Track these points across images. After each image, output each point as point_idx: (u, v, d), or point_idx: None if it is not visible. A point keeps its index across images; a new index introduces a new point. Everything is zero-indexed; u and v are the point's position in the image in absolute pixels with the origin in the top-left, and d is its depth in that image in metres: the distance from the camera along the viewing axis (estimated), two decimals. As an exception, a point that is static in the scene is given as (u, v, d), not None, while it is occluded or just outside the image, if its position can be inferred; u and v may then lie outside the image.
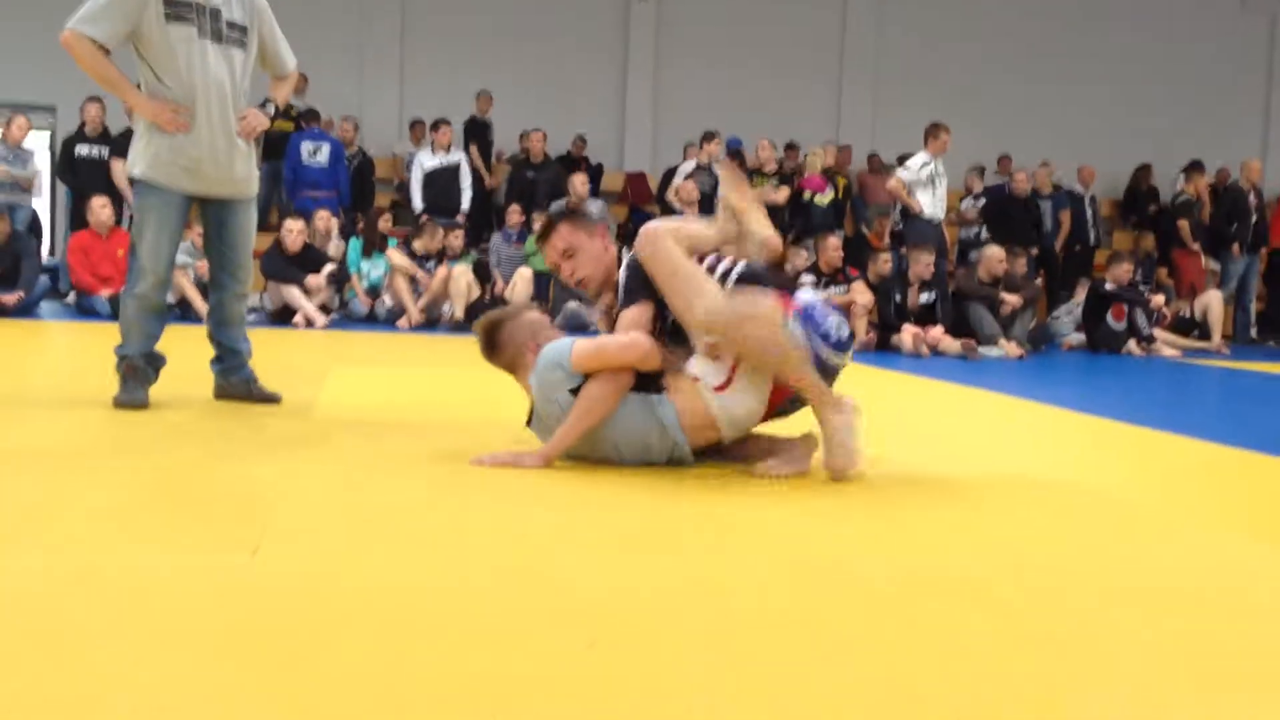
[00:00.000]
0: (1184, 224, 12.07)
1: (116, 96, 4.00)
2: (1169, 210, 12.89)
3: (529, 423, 3.22)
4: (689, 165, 11.61)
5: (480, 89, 13.00)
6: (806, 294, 3.21)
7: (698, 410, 3.05)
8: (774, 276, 3.25)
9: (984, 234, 11.86)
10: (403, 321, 9.68)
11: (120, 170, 9.83)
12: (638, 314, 3.12)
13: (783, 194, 10.96)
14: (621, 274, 3.22)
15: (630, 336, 3.02)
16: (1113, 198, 14.55)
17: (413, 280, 9.96)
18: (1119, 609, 1.97)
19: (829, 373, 3.13)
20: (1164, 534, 2.69)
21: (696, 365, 3.09)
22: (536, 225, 10.94)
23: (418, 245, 10.11)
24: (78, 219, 10.71)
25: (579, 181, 11.34)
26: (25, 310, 9.05)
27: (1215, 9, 16.50)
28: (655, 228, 3.14)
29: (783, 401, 3.18)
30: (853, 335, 3.19)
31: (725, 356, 3.03)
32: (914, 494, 2.98)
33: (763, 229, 3.31)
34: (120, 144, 9.97)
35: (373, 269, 10.37)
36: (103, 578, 1.91)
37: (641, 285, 3.14)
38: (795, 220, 11.69)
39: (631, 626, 1.77)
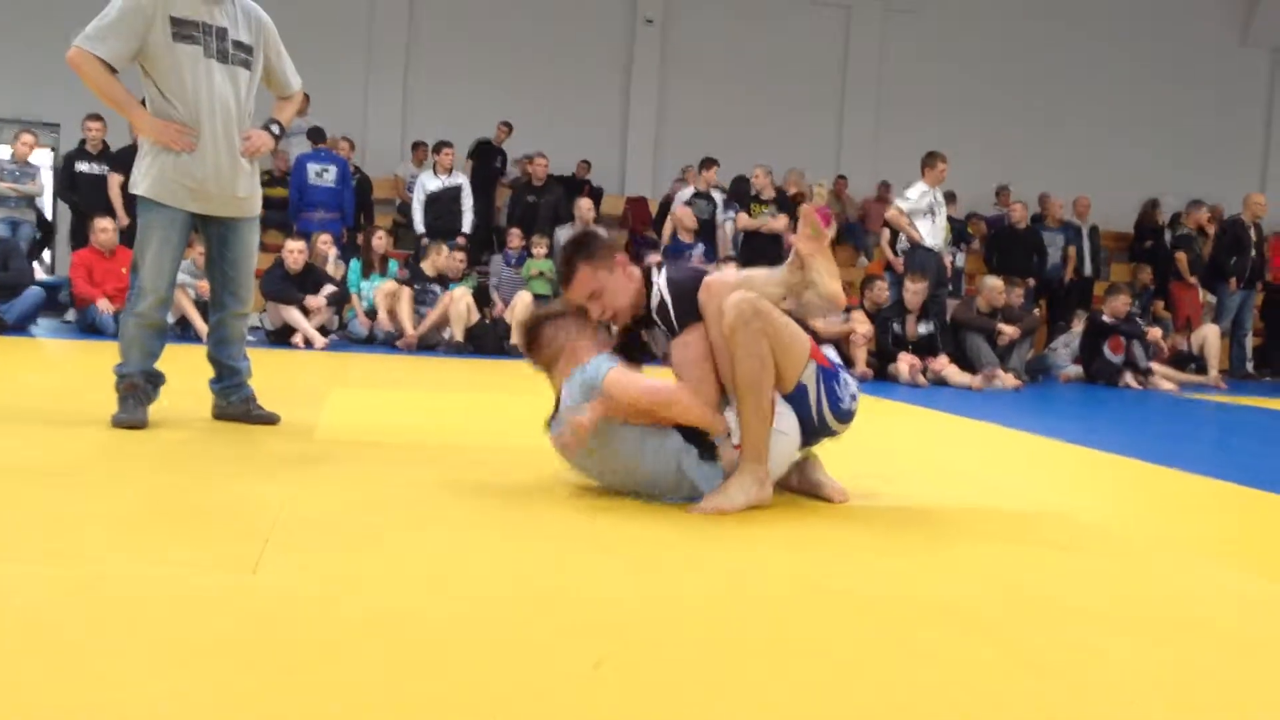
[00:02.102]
0: (1182, 257, 12.12)
1: (122, 115, 4.01)
2: (1167, 244, 12.94)
3: (550, 421, 3.10)
4: (687, 192, 11.64)
5: (489, 115, 13.11)
6: (832, 353, 3.12)
7: (730, 466, 3.00)
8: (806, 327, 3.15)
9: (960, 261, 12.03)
10: (402, 342, 9.67)
11: (118, 186, 9.86)
12: (700, 336, 3.01)
13: (781, 221, 10.99)
14: (666, 294, 3.10)
15: (671, 394, 2.91)
16: (1112, 230, 14.60)
17: (417, 300, 9.97)
18: (1112, 639, 1.98)
19: (816, 435, 3.09)
20: (1157, 567, 2.69)
21: (732, 421, 3.03)
22: (536, 248, 11.05)
23: (426, 265, 10.12)
24: (78, 236, 10.75)
25: (584, 206, 11.37)
26: (20, 326, 9.05)
27: (1215, 44, 16.64)
28: (718, 281, 3.02)
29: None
30: (856, 410, 3.11)
31: None
32: (910, 523, 2.99)
33: (829, 282, 3.11)
34: (119, 160, 10.02)
35: (372, 290, 10.39)
36: (102, 594, 1.91)
37: (695, 307, 3.04)
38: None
39: (637, 648, 1.78)
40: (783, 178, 14.00)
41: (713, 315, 2.99)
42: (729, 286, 3.02)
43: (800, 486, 3.22)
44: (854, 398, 3.10)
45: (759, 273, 3.21)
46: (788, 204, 11.32)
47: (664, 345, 3.18)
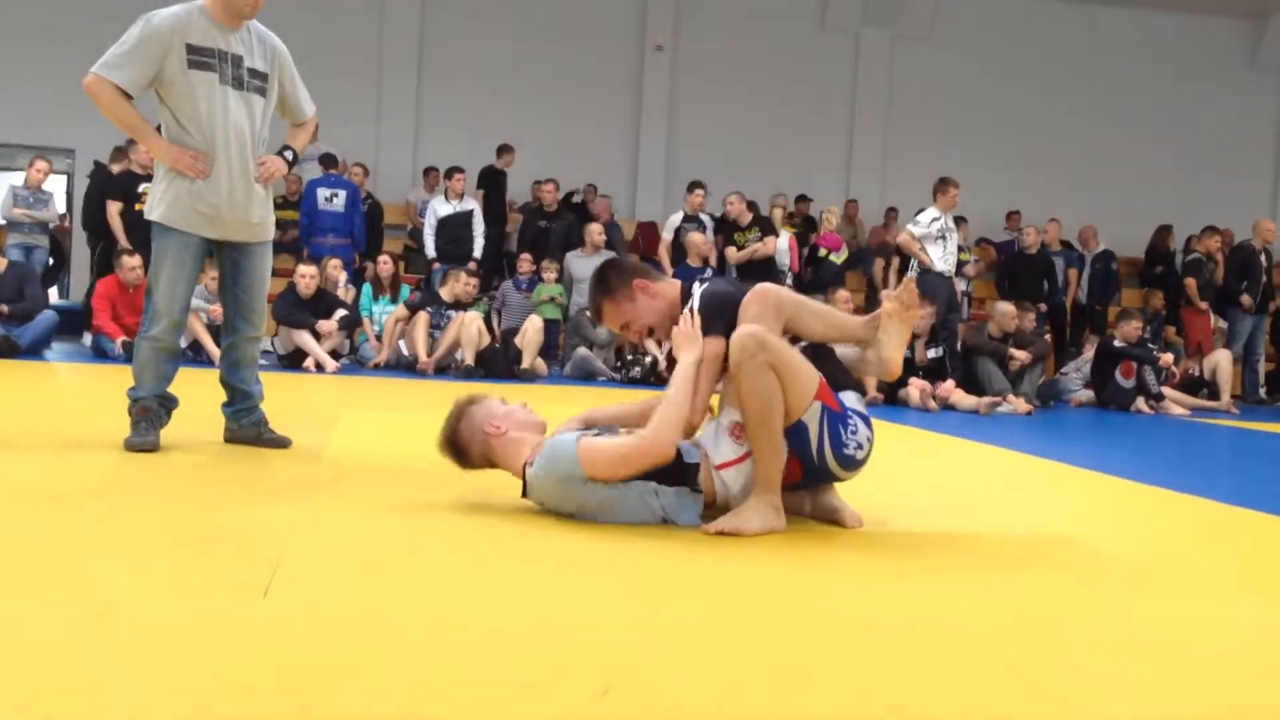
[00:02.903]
0: (1191, 282, 12.10)
1: (138, 141, 4.04)
2: (1177, 270, 12.93)
3: (525, 494, 3.08)
4: (677, 217, 11.60)
5: (500, 141, 13.12)
6: (853, 400, 3.08)
7: (709, 492, 3.02)
8: (837, 368, 3.14)
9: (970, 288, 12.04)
10: (420, 365, 9.63)
11: (114, 211, 9.89)
12: (715, 350, 3.03)
13: (770, 245, 10.92)
14: (696, 302, 3.12)
15: (648, 437, 2.88)
16: (1123, 256, 14.61)
17: (433, 324, 9.98)
18: (1125, 666, 1.97)
19: (817, 477, 3.06)
20: (1170, 592, 2.68)
21: (709, 438, 3.02)
22: (546, 273, 11.06)
23: (444, 292, 10.13)
24: (105, 264, 10.79)
25: (595, 231, 11.37)
26: (34, 350, 9.08)
27: (1224, 67, 16.64)
28: (767, 290, 3.03)
29: (793, 483, 3.07)
30: (865, 460, 3.07)
31: (744, 438, 2.97)
32: (923, 549, 2.98)
33: (895, 349, 3.11)
34: (118, 185, 10.07)
35: (384, 314, 10.42)
36: (113, 619, 1.91)
37: (717, 318, 3.05)
38: (806, 272, 11.76)
39: (645, 675, 1.77)
40: (794, 203, 14.05)
41: (747, 320, 2.98)
42: (777, 299, 3.01)
43: (814, 512, 3.21)
44: (861, 446, 3.01)
45: (820, 306, 3.22)
46: (771, 227, 11.24)
47: None
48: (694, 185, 11.56)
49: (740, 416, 2.96)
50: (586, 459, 2.87)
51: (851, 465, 3.04)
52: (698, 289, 3.18)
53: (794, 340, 3.05)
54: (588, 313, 10.13)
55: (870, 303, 10.70)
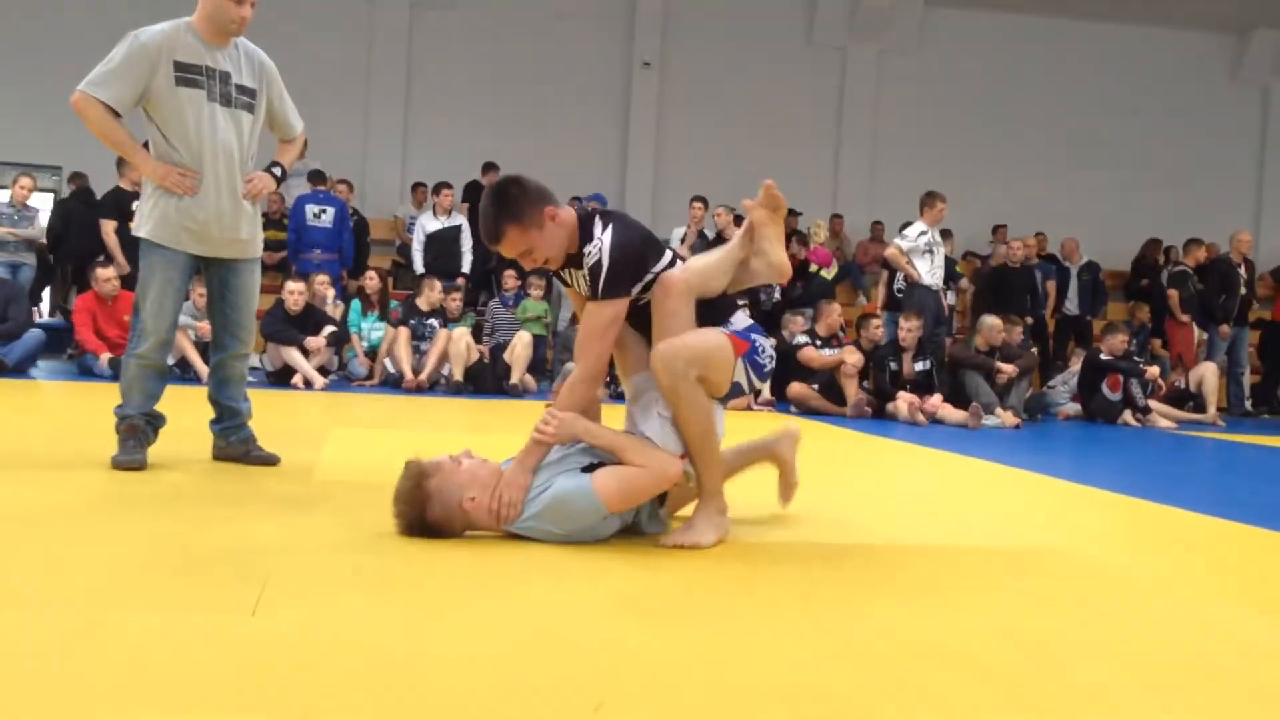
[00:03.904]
0: (1174, 294, 12.15)
1: (125, 159, 4.03)
2: (1164, 282, 13.00)
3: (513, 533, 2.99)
4: (680, 230, 11.68)
5: (488, 156, 13.13)
6: (742, 319, 3.19)
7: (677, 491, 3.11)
8: (722, 300, 3.20)
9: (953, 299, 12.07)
10: (409, 382, 9.63)
11: (109, 230, 9.86)
12: (615, 312, 3.00)
13: None
14: (605, 257, 2.95)
15: (659, 466, 2.89)
16: (1108, 268, 14.68)
17: (415, 340, 9.98)
18: (1115, 680, 1.97)
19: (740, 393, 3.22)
20: (1158, 606, 2.69)
21: (655, 433, 2.99)
22: (532, 289, 11.06)
23: (420, 302, 10.15)
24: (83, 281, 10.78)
25: None
26: (20, 369, 9.04)
27: (1207, 80, 16.76)
28: (679, 281, 3.01)
29: None
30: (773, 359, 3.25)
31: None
32: (910, 563, 2.99)
33: (777, 249, 3.25)
34: (108, 203, 10.03)
35: (372, 330, 10.41)
36: (102, 637, 1.91)
37: (626, 280, 3.00)
38: (797, 287, 11.81)
39: (638, 690, 1.77)
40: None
41: (667, 315, 3.01)
42: (687, 286, 3.03)
43: (764, 455, 3.41)
44: (772, 359, 3.20)
45: (709, 263, 3.22)
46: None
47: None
48: (695, 199, 11.70)
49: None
50: (606, 497, 2.85)
51: (768, 378, 3.24)
52: (605, 235, 2.99)
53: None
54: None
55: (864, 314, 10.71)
